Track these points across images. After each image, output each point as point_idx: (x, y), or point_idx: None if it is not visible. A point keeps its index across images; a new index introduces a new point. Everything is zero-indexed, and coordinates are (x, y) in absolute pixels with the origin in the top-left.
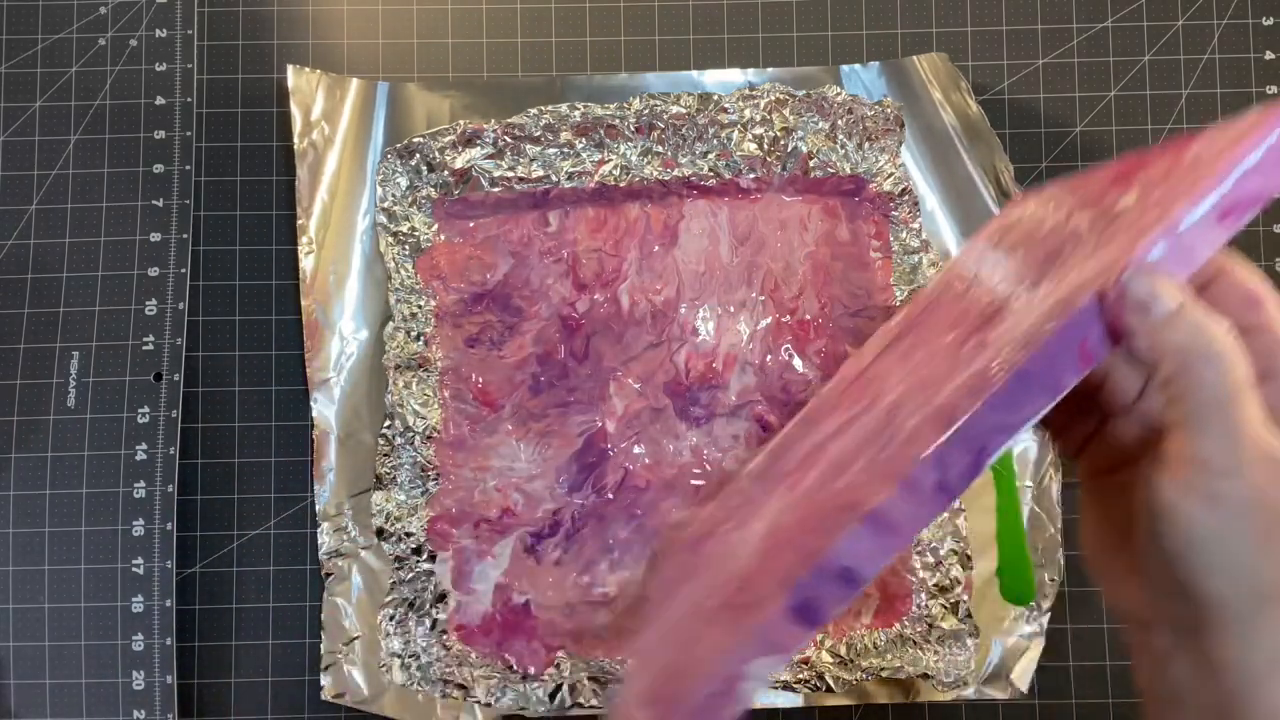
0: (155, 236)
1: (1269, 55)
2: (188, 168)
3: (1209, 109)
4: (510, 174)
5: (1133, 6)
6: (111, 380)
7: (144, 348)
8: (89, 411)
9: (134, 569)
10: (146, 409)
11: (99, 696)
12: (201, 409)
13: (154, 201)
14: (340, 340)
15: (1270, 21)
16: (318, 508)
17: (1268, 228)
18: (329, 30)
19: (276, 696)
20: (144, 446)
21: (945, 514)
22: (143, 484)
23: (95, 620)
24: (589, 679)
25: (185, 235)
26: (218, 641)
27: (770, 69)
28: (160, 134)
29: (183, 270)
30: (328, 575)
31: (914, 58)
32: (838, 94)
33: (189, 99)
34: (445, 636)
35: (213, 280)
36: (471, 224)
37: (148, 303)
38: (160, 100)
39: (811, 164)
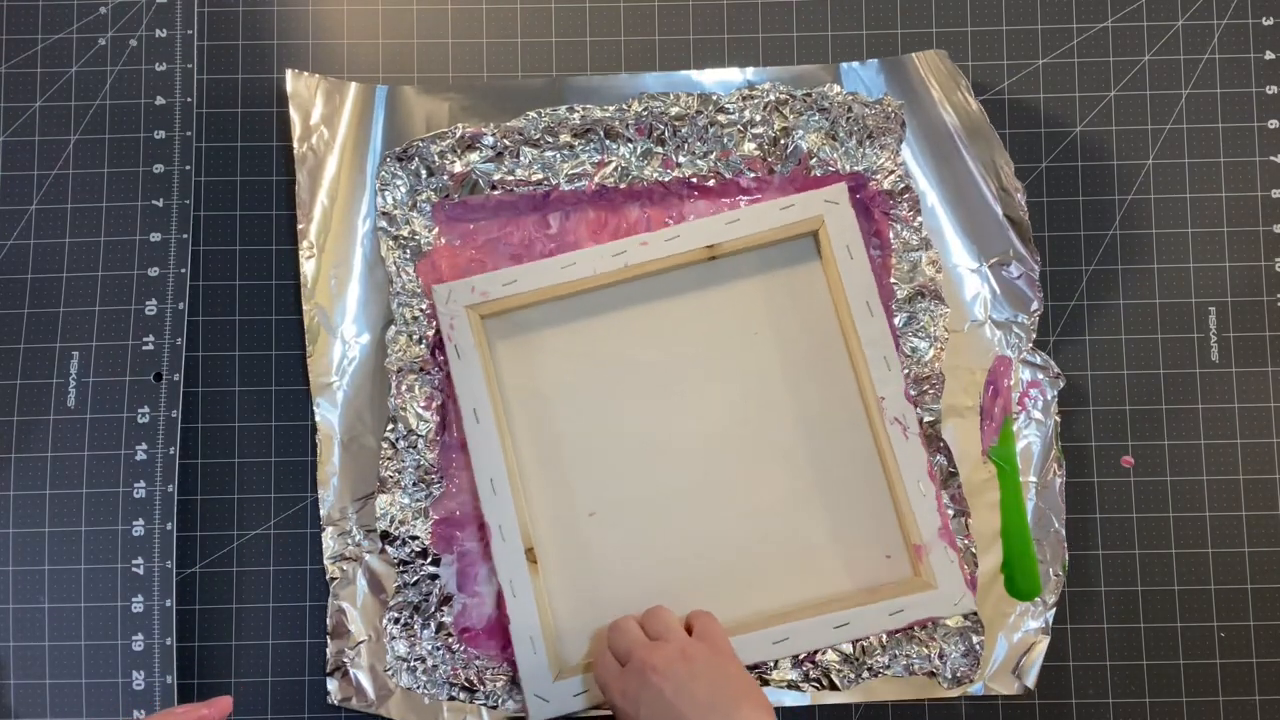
0: (155, 236)
1: (1269, 55)
2: (188, 168)
3: (1209, 109)
4: (510, 177)
5: (1133, 6)
6: (111, 380)
7: (144, 348)
8: (89, 411)
9: (134, 569)
10: (146, 409)
11: (99, 696)
12: (201, 409)
13: (154, 201)
14: (342, 344)
15: (1270, 21)
16: (321, 512)
17: (1267, 228)
18: (329, 30)
19: (276, 697)
20: (144, 446)
21: (950, 514)
22: (143, 484)
23: (95, 620)
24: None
25: (185, 235)
26: (218, 641)
27: (769, 68)
28: (160, 134)
29: (183, 270)
30: (332, 579)
31: (913, 55)
32: (837, 92)
33: (189, 99)
34: (450, 639)
35: (213, 280)
36: (472, 227)
37: (148, 303)
38: (160, 100)
39: (811, 162)
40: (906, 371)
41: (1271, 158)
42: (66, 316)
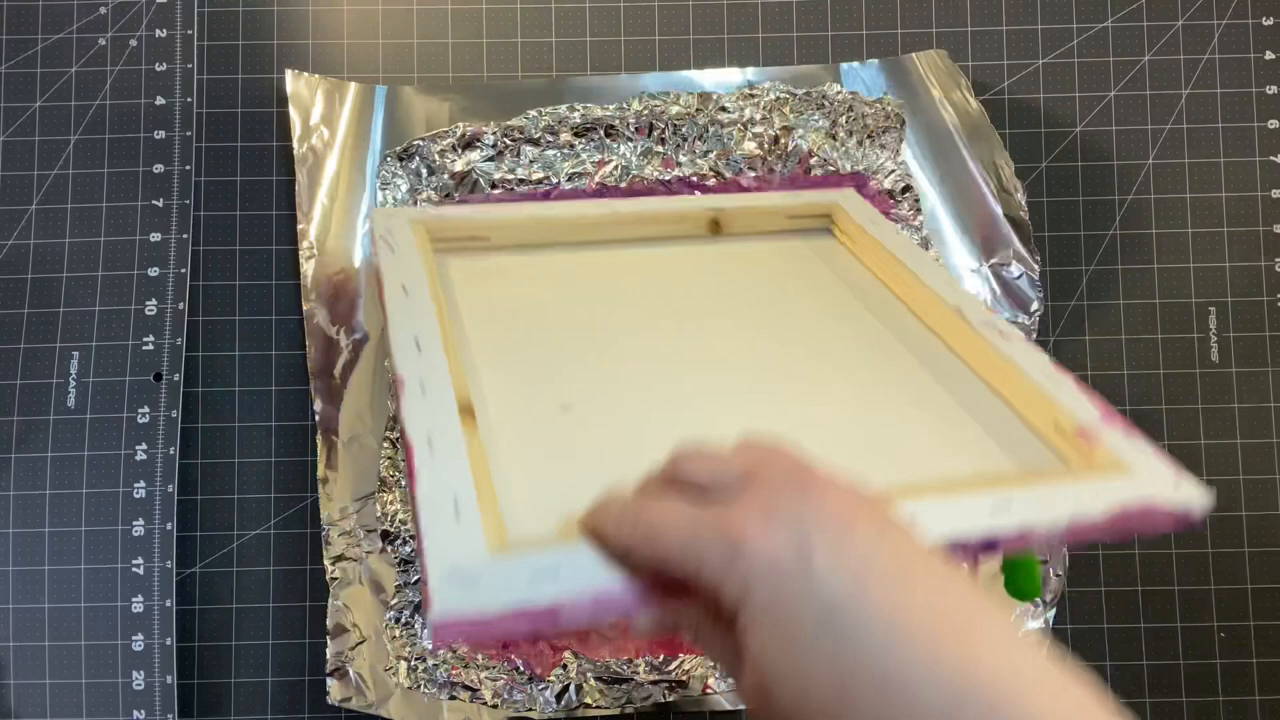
0: (155, 236)
1: (1269, 55)
2: (188, 168)
3: (1209, 109)
4: (510, 176)
5: (1133, 6)
6: (111, 380)
7: (144, 348)
8: (89, 411)
9: (134, 569)
10: (146, 409)
11: (99, 696)
12: (201, 409)
13: (154, 201)
14: (342, 344)
15: (1270, 21)
16: (322, 512)
17: (1268, 228)
18: (329, 31)
19: (276, 696)
20: (144, 446)
21: None
22: (143, 484)
23: (95, 620)
24: (595, 679)
25: (185, 235)
26: (218, 641)
27: (769, 68)
28: (160, 134)
29: (183, 270)
30: (333, 579)
31: (913, 55)
32: (838, 92)
33: (189, 99)
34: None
35: (213, 280)
36: None
37: (148, 303)
38: (160, 100)
39: (812, 162)
40: None
41: (1271, 158)
42: (66, 316)
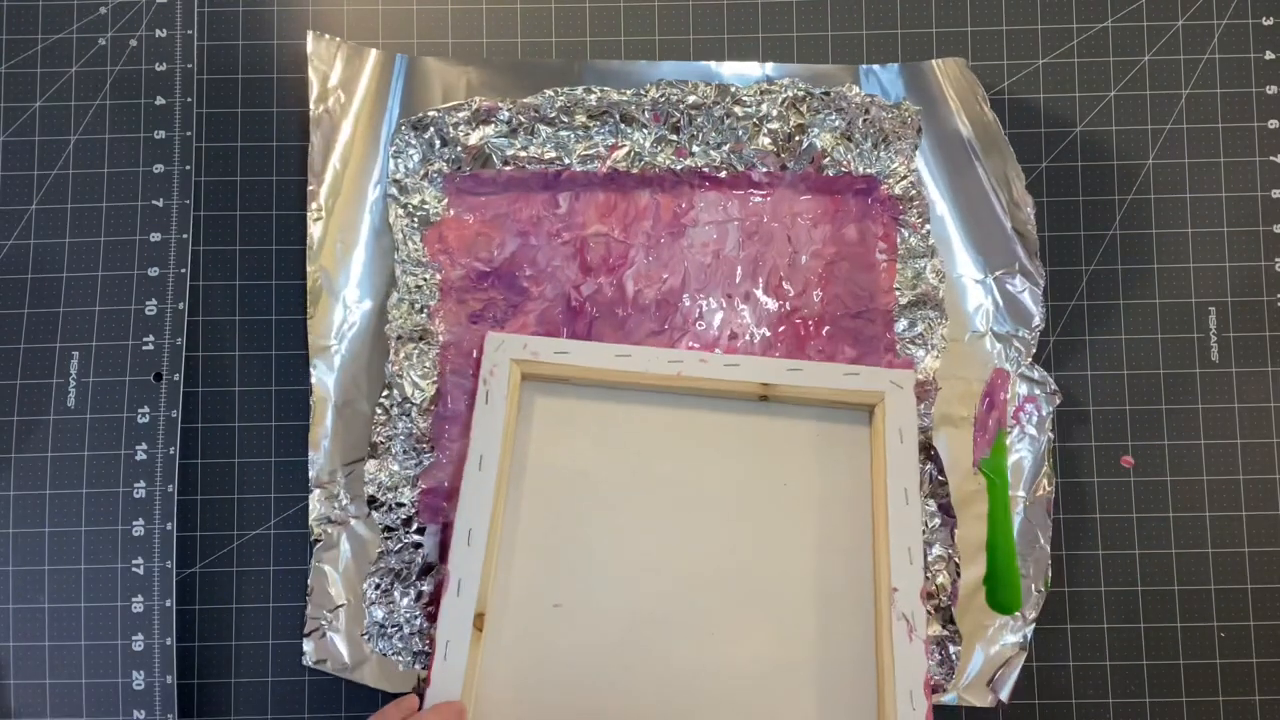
0: (155, 236)
1: (1269, 55)
2: (188, 168)
3: (1209, 109)
4: (523, 153)
5: (1133, 6)
6: (111, 380)
7: (144, 348)
8: (89, 411)
9: (134, 569)
10: (146, 409)
11: (99, 696)
12: (201, 409)
13: (154, 201)
14: (344, 309)
15: (1270, 21)
16: (310, 474)
17: (1268, 228)
18: (328, 31)
19: (276, 696)
20: (144, 446)
21: (938, 522)
22: (143, 484)
23: (95, 620)
24: None
25: (185, 235)
26: (218, 641)
27: (789, 64)
28: (160, 134)
29: (183, 270)
30: (316, 541)
31: (933, 62)
32: (856, 94)
33: (189, 99)
34: (429, 608)
35: (213, 280)
36: (482, 199)
37: (148, 303)
38: (160, 100)
39: (825, 162)
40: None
41: (1271, 158)
42: (66, 316)
